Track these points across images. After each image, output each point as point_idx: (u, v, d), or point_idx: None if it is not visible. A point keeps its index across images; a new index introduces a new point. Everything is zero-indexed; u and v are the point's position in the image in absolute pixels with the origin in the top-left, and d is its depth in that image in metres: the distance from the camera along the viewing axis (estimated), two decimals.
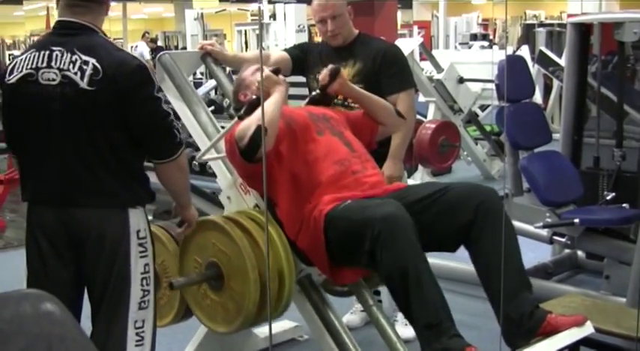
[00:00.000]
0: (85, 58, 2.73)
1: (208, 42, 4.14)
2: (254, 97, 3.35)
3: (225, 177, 3.65)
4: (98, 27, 2.87)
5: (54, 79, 2.74)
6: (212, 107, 8.86)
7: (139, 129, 2.81)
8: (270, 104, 3.18)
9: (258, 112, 3.15)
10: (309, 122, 3.35)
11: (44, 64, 2.76)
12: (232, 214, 3.36)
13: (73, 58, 2.74)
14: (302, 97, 3.73)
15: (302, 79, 4.32)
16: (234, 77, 4.74)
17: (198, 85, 10.35)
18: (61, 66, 2.74)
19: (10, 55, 25.26)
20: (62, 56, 2.75)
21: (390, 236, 2.79)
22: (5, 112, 2.94)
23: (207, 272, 3.30)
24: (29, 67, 2.78)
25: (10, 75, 2.83)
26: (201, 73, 12.38)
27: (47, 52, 2.77)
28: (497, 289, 2.82)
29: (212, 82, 9.75)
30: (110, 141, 2.77)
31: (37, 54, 2.79)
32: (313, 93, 3.60)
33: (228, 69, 4.31)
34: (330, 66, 3.50)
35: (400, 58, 4.23)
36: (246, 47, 13.32)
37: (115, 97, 2.73)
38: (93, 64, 2.72)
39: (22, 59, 2.83)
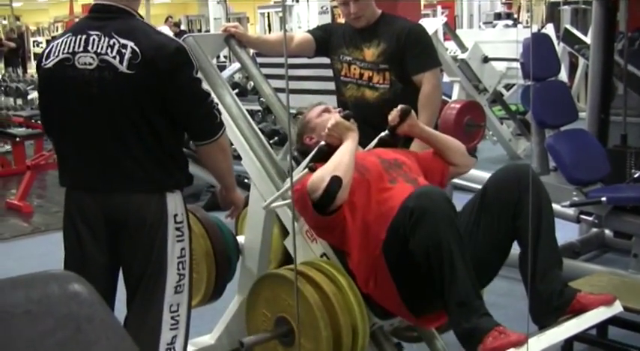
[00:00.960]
0: (123, 41, 2.72)
1: (232, 24, 4.13)
2: (322, 143, 3.19)
3: (290, 223, 3.47)
4: (134, 10, 2.86)
5: (91, 63, 2.73)
6: (236, 90, 8.88)
7: (180, 111, 2.81)
8: (345, 153, 3.04)
9: (331, 162, 3.02)
10: (382, 171, 3.19)
11: (81, 49, 2.75)
12: (301, 267, 3.16)
13: (111, 42, 2.73)
14: (322, 78, 3.66)
15: (325, 60, 4.30)
16: (258, 60, 4.72)
17: (222, 68, 10.36)
18: (99, 50, 2.73)
19: (34, 41, 25.45)
20: (100, 40, 2.74)
21: (422, 210, 2.73)
22: (42, 96, 2.96)
23: (277, 329, 3.16)
24: (66, 51, 2.78)
25: (46, 59, 2.83)
26: (225, 57, 12.39)
27: (84, 36, 2.77)
28: (532, 264, 2.82)
29: (236, 65, 9.75)
30: (149, 124, 2.77)
31: (73, 38, 2.78)
32: (382, 134, 3.40)
33: (252, 51, 4.30)
34: (400, 106, 3.34)
35: (425, 37, 4.19)
36: (270, 30, 13.33)
37: (155, 80, 2.72)
38: (132, 48, 2.71)
39: (58, 43, 2.82)
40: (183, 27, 19.18)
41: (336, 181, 2.90)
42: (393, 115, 3.32)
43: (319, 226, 3.13)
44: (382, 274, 2.95)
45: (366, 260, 3.02)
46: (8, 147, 10.41)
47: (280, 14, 12.97)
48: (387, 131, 3.36)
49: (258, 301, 3.26)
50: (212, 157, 2.97)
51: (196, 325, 4.25)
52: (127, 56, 2.70)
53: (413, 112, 3.36)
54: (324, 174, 2.95)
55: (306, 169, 3.11)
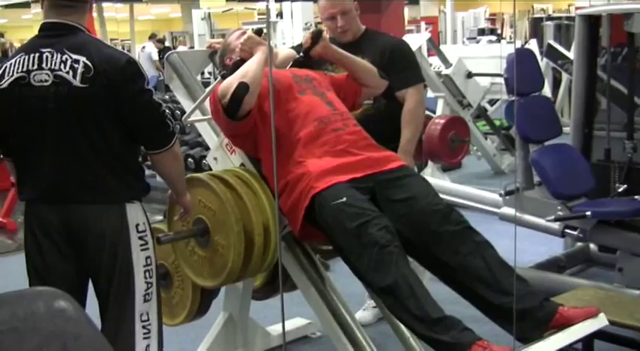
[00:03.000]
0: (75, 56, 2.79)
1: (216, 41, 4.14)
2: (237, 58, 3.40)
3: (211, 138, 3.74)
4: (83, 26, 2.92)
5: (46, 80, 2.79)
6: None
7: (133, 121, 2.87)
8: (253, 63, 3.25)
9: (240, 70, 3.22)
10: (292, 82, 3.41)
11: (35, 66, 2.80)
12: (217, 172, 3.44)
13: (64, 58, 2.79)
14: None
15: None
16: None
17: (206, 84, 10.36)
18: (53, 66, 2.79)
19: None
20: (52, 57, 2.80)
21: (379, 262, 2.81)
22: None
23: (193, 228, 3.37)
24: (20, 70, 2.82)
25: (1, 80, 2.85)
26: (209, 73, 12.38)
27: (37, 54, 2.82)
28: (492, 295, 2.84)
29: None
30: (105, 136, 2.83)
31: (26, 57, 2.83)
32: (297, 56, 3.68)
33: None
34: (312, 28, 3.53)
35: (408, 53, 4.22)
36: None
37: (108, 92, 2.79)
38: (84, 62, 2.78)
39: (11, 64, 2.85)
40: (167, 43, 19.17)
41: (243, 87, 3.13)
42: (306, 38, 3.57)
43: (233, 134, 3.38)
44: (297, 207, 3.12)
45: (278, 169, 3.20)
46: None
47: (267, 31, 12.98)
48: (300, 53, 3.61)
49: (177, 206, 3.40)
50: (165, 165, 3.04)
51: (182, 342, 4.26)
52: (79, 70, 2.77)
53: (325, 34, 3.59)
54: (232, 81, 3.18)
55: (219, 78, 3.38)
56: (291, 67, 3.68)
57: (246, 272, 3.33)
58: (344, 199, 2.99)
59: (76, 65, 2.77)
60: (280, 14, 12.35)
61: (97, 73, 2.77)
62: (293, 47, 4.36)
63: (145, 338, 2.92)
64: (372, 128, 3.63)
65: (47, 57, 2.80)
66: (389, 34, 4.34)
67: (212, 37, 13.47)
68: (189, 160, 8.70)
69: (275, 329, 4.33)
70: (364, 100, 3.81)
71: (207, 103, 3.58)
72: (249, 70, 3.21)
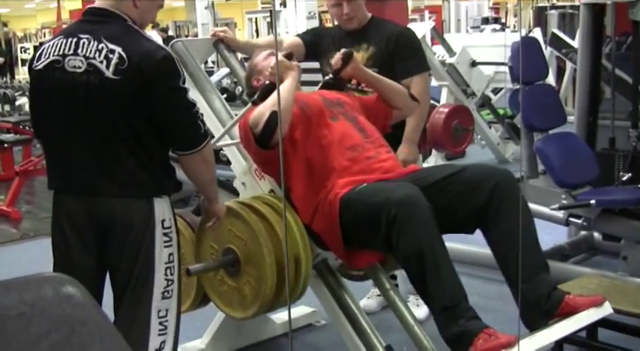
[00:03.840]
0: (111, 46, 2.71)
1: (220, 29, 4.13)
2: (267, 82, 3.32)
3: (239, 163, 3.65)
4: (128, 15, 2.83)
5: (79, 67, 2.73)
6: (225, 95, 8.86)
7: (163, 119, 2.77)
8: (284, 90, 3.16)
9: (271, 98, 3.15)
10: (323, 108, 3.34)
11: (71, 51, 2.75)
12: (247, 200, 3.36)
13: (100, 47, 2.72)
14: (317, 84, 3.72)
15: (316, 65, 4.30)
16: (247, 64, 4.73)
17: (210, 73, 10.36)
18: (87, 54, 2.73)
19: (21, 47, 25.37)
20: (89, 44, 2.74)
21: (406, 218, 2.78)
22: (33, 97, 2.95)
23: (223, 258, 3.30)
24: (56, 53, 2.78)
25: (37, 61, 2.83)
26: (213, 62, 12.38)
27: (75, 39, 2.77)
28: (515, 272, 2.81)
29: (224, 70, 9.74)
30: (135, 130, 2.75)
31: (64, 41, 2.78)
32: (326, 77, 3.58)
33: (240, 56, 4.31)
34: (343, 50, 3.47)
35: (414, 42, 4.20)
36: (257, 35, 13.33)
37: (140, 88, 2.70)
38: (119, 53, 2.70)
39: (50, 45, 2.82)
40: (171, 32, 19.16)
41: (275, 116, 3.02)
42: (336, 59, 3.47)
43: (263, 161, 3.31)
44: (331, 219, 3.08)
45: (310, 197, 3.17)
46: None
47: (268, 19, 12.98)
48: (330, 75, 3.52)
49: (206, 234, 3.39)
50: (194, 168, 2.91)
51: (186, 330, 4.25)
52: (113, 61, 2.69)
53: (355, 54, 3.49)
54: (264, 109, 3.11)
55: (250, 104, 3.29)
56: (319, 88, 3.58)
57: (278, 303, 3.26)
58: (366, 184, 3.05)
59: (110, 55, 2.70)
60: (284, 3, 12.34)
61: (130, 66, 2.68)
62: (298, 35, 4.35)
63: (160, 334, 2.88)
64: None
65: (84, 43, 2.74)
66: (394, 22, 4.33)
67: (215, 25, 13.46)
68: None
69: (280, 317, 4.34)
70: (394, 122, 3.72)
71: (235, 129, 3.51)
72: (281, 96, 3.10)
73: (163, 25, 20.17)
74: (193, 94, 3.75)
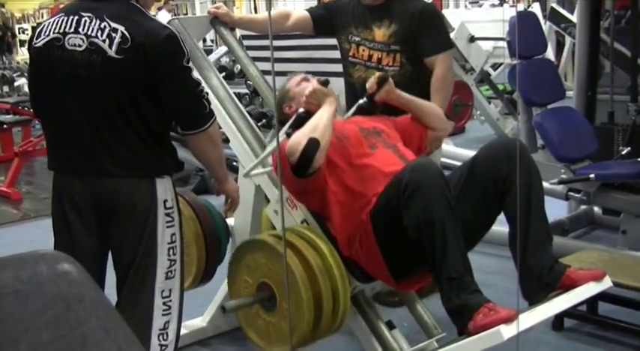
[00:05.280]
0: (114, 25, 2.69)
1: (215, 5, 4.09)
2: (301, 110, 3.24)
3: (272, 191, 3.52)
4: None
5: (80, 45, 2.70)
6: (223, 73, 8.84)
7: (168, 99, 2.76)
8: (322, 117, 3.08)
9: (307, 125, 3.07)
10: (361, 138, 3.25)
11: (72, 29, 2.73)
12: (280, 233, 3.25)
13: (102, 25, 2.69)
14: (326, 61, 3.62)
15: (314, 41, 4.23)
16: (245, 42, 4.67)
17: (208, 52, 10.34)
18: (89, 32, 2.70)
19: (19, 28, 25.30)
20: (91, 22, 2.71)
21: (417, 184, 2.75)
22: (32, 75, 2.93)
23: (259, 294, 3.21)
24: (56, 31, 2.75)
25: (37, 38, 2.80)
26: (212, 41, 12.35)
27: (76, 17, 2.74)
28: (522, 239, 2.83)
29: (223, 49, 9.71)
30: (137, 110, 2.74)
31: (65, 18, 2.76)
32: (360, 101, 3.45)
33: (238, 34, 4.26)
34: (378, 74, 3.38)
35: (438, 18, 4.08)
36: (256, 12, 13.26)
37: (144, 67, 2.68)
38: (122, 32, 2.67)
39: (50, 23, 2.79)
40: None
41: (313, 143, 2.95)
42: (371, 83, 3.37)
43: (299, 191, 3.19)
44: (367, 238, 2.99)
45: (348, 224, 3.07)
46: None
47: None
48: (365, 99, 3.41)
49: (239, 268, 3.30)
50: (201, 148, 2.92)
51: (187, 308, 4.25)
52: (116, 41, 2.67)
53: (390, 78, 3.40)
54: (301, 137, 3.00)
55: (285, 136, 3.15)
56: (353, 113, 3.47)
57: (316, 337, 3.18)
58: None
59: (113, 34, 2.67)
60: None
61: (134, 45, 2.66)
62: (310, 9, 4.15)
63: (164, 314, 2.87)
64: None
65: (85, 21, 2.71)
66: None
67: (213, 3, 13.40)
68: None
69: None
70: (430, 143, 3.61)
71: (269, 159, 3.42)
72: (318, 124, 3.04)
73: (161, 3, 20.11)
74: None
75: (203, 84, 2.87)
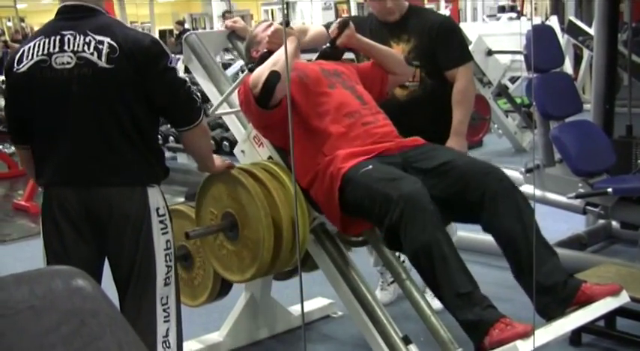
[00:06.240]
0: (99, 38, 2.76)
1: (232, 19, 4.12)
2: (265, 50, 3.42)
3: (239, 131, 3.73)
4: (102, 7, 2.91)
5: (68, 63, 2.76)
6: None
7: (161, 100, 2.86)
8: (283, 53, 3.23)
9: (269, 60, 3.22)
10: (321, 77, 3.40)
11: (57, 49, 2.77)
12: (245, 166, 3.42)
13: (87, 40, 2.76)
14: None
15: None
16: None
17: (228, 66, 10.35)
18: (76, 48, 2.76)
19: None
20: (75, 39, 2.77)
21: (412, 217, 2.79)
22: (13, 100, 2.94)
23: (222, 222, 3.36)
24: (41, 53, 2.79)
25: (19, 64, 2.83)
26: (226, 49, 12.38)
27: (58, 37, 2.79)
28: (525, 263, 2.82)
29: (240, 63, 9.74)
30: (132, 117, 2.80)
31: (47, 40, 2.80)
32: (323, 46, 3.65)
33: None
34: (339, 19, 3.53)
35: (457, 31, 4.12)
36: None
37: (134, 72, 2.77)
38: (108, 43, 2.75)
39: (30, 47, 2.83)
40: (187, 25, 19.20)
41: (274, 75, 3.12)
42: (333, 28, 3.58)
43: (264, 125, 3.37)
44: (330, 191, 3.11)
45: (308, 161, 3.20)
46: (14, 148, 10.40)
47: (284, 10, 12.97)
48: (327, 44, 3.60)
49: (206, 199, 3.45)
50: (195, 142, 3.04)
51: (204, 323, 4.29)
52: (104, 51, 2.75)
53: (351, 23, 3.57)
54: (263, 70, 3.18)
55: (247, 71, 3.39)
56: (317, 58, 3.64)
57: (275, 266, 3.31)
58: (370, 166, 3.04)
59: (100, 46, 2.75)
60: None
61: (122, 53, 2.75)
62: (326, 24, 4.25)
63: (165, 322, 2.92)
64: (419, 110, 3.61)
65: (69, 39, 2.77)
66: (432, 10, 4.22)
67: (228, 16, 13.46)
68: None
69: (296, 309, 4.35)
70: (391, 88, 3.76)
71: (234, 96, 3.56)
72: (279, 58, 3.19)
73: (179, 17, 20.22)
74: (207, 87, 3.80)
75: (189, 83, 2.97)
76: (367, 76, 3.61)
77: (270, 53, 3.33)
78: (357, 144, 3.18)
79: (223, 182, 3.34)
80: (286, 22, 3.44)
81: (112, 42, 2.76)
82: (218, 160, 3.31)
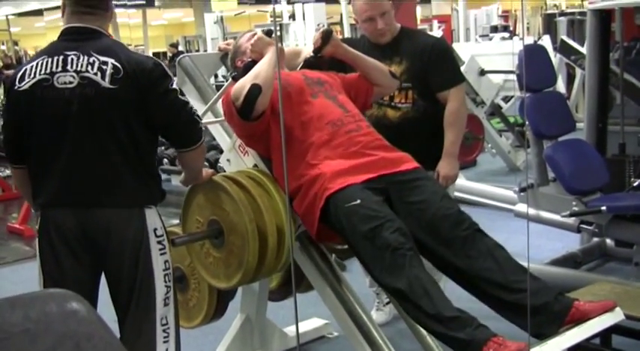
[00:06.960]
0: (103, 58, 2.79)
1: (225, 42, 4.14)
2: (249, 60, 3.44)
3: (224, 140, 3.76)
4: (105, 30, 2.94)
5: (71, 82, 2.78)
6: None
7: (163, 121, 2.89)
8: (264, 64, 3.27)
9: (252, 72, 3.24)
10: (304, 85, 3.41)
11: (59, 69, 2.80)
12: (231, 174, 3.44)
13: (91, 60, 2.79)
14: None
15: None
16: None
17: (219, 88, 10.36)
18: (79, 68, 2.78)
19: None
20: (79, 59, 2.79)
21: (395, 266, 2.80)
22: (13, 118, 2.94)
23: (208, 229, 3.37)
24: (43, 72, 2.81)
25: (20, 82, 2.84)
26: (224, 76, 12.41)
27: (61, 57, 2.81)
28: (506, 292, 2.83)
29: None
30: (133, 138, 2.82)
31: (49, 60, 2.82)
32: (307, 55, 3.66)
33: None
34: (322, 28, 3.53)
35: (449, 52, 4.15)
36: None
37: (137, 94, 2.79)
38: (112, 64, 2.78)
39: (32, 66, 2.84)
40: (181, 48, 19.24)
41: (255, 88, 3.15)
42: (316, 38, 3.59)
43: (246, 135, 3.39)
44: (313, 211, 3.11)
45: (291, 170, 3.19)
46: (8, 171, 10.39)
47: (278, 33, 13.00)
48: (311, 53, 3.59)
49: (191, 208, 3.46)
50: (196, 161, 3.13)
51: (200, 344, 4.28)
52: (108, 72, 2.77)
53: (335, 33, 3.57)
54: (244, 82, 3.20)
55: (230, 79, 3.41)
56: (301, 67, 3.65)
57: (261, 273, 3.32)
58: (357, 201, 2.98)
59: (104, 67, 2.77)
60: (292, 16, 12.37)
61: (126, 74, 2.78)
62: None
63: (164, 342, 2.93)
64: (411, 131, 3.60)
65: (72, 59, 2.80)
66: (424, 32, 4.26)
67: (225, 40, 13.49)
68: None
69: (292, 330, 4.34)
70: (376, 99, 3.77)
71: (219, 106, 3.58)
72: (260, 71, 3.21)
73: (173, 40, 20.26)
74: (201, 109, 3.81)
75: (190, 104, 2.98)
76: (352, 86, 3.62)
77: (254, 62, 3.34)
78: (340, 151, 3.18)
79: (208, 190, 3.35)
80: (268, 32, 3.44)
81: (116, 63, 2.79)
82: (205, 170, 3.34)
